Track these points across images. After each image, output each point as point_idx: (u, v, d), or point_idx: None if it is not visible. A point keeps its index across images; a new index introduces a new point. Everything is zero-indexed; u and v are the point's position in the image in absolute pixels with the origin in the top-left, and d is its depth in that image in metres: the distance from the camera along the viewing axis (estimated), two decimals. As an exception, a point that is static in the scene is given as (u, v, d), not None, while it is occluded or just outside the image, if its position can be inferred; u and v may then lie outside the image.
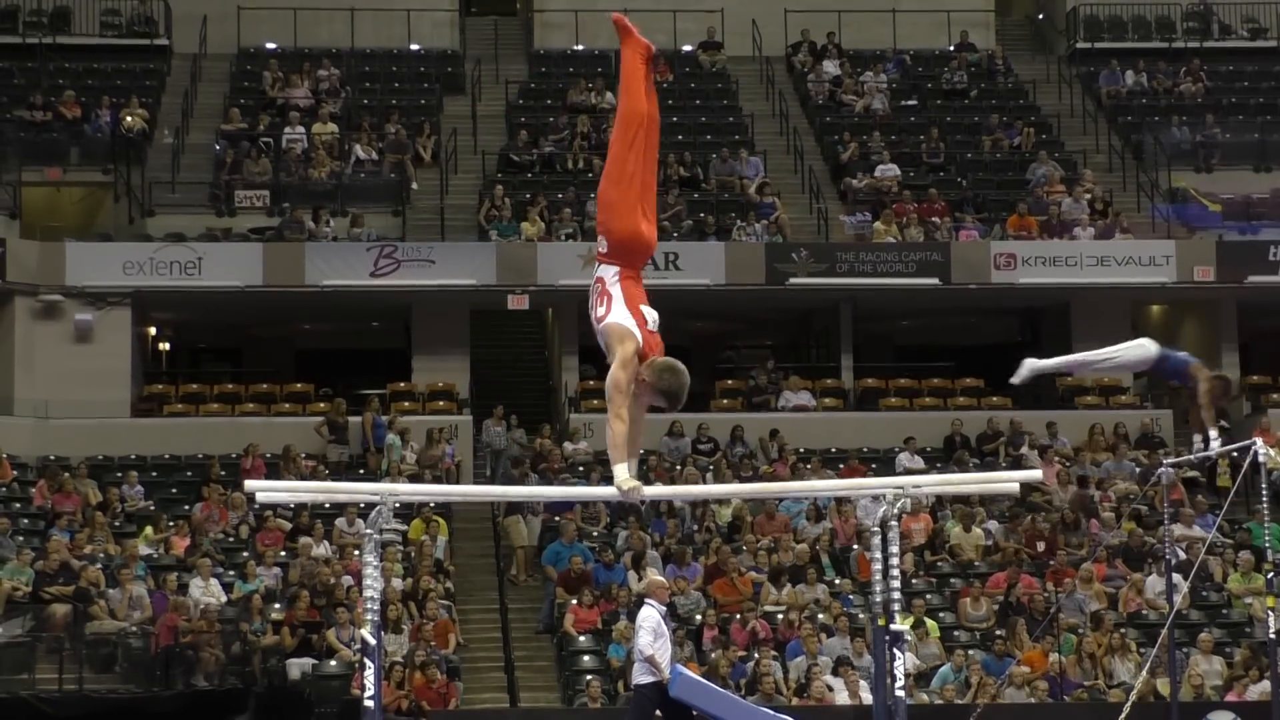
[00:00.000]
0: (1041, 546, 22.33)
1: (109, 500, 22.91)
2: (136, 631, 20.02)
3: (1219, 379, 13.98)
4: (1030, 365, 13.91)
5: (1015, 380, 14.19)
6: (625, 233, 8.87)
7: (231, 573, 21.23)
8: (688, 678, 14.92)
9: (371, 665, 9.20)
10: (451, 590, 21.57)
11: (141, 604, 20.26)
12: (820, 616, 20.34)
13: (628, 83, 8.97)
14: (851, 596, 20.91)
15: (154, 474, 24.45)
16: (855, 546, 21.91)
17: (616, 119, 9.11)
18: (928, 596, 21.12)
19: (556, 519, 22.66)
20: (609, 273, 8.87)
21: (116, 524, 22.44)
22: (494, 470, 24.50)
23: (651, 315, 8.87)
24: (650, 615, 14.91)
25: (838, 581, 21.40)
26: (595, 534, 22.52)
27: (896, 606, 9.38)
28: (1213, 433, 13.99)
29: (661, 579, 16.10)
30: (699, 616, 20.36)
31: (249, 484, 9.28)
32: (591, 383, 26.71)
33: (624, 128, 8.93)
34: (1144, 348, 13.81)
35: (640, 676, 14.83)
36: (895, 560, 9.43)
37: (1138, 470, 24.15)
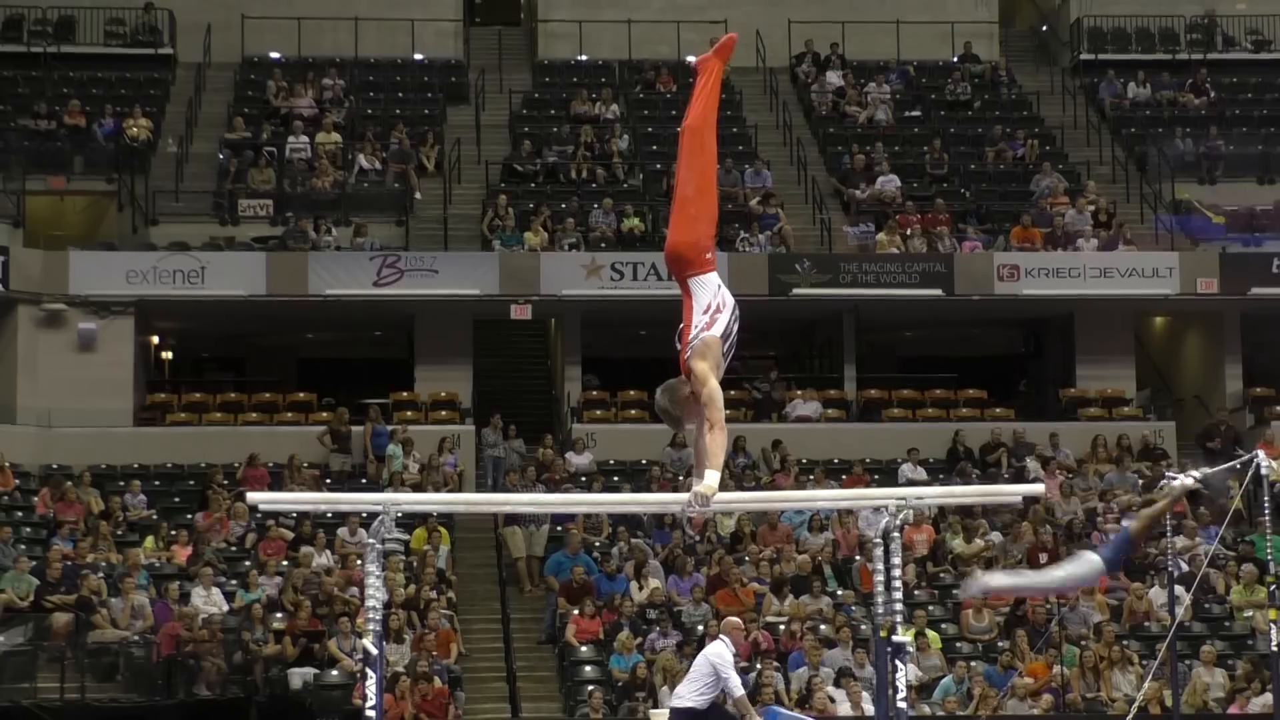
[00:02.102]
0: (1044, 558, 22.29)
1: (111, 509, 22.90)
2: (138, 640, 20.01)
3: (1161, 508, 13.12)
4: (979, 583, 13.25)
5: (963, 594, 13.53)
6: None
7: (233, 582, 21.23)
8: (778, 714, 14.98)
9: (373, 675, 9.19)
10: (454, 600, 21.56)
11: (143, 613, 20.25)
12: (822, 627, 20.33)
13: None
14: (854, 607, 20.89)
15: (156, 483, 24.44)
16: (858, 557, 21.89)
17: (708, 131, 9.04)
18: (930, 608, 21.09)
19: (559, 529, 22.67)
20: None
21: (119, 533, 22.44)
22: (493, 480, 24.50)
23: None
24: (726, 654, 14.99)
25: (840, 592, 21.39)
26: (597, 544, 22.50)
27: (899, 618, 9.36)
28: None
29: (738, 620, 16.13)
30: (701, 627, 20.33)
31: (251, 495, 9.26)
32: (594, 393, 26.73)
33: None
34: (1090, 563, 12.88)
35: (695, 700, 14.86)
36: (897, 571, 9.42)
37: (1140, 482, 24.13)
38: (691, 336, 8.74)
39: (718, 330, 8.74)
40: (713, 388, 8.58)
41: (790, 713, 15.62)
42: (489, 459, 24.85)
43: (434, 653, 19.62)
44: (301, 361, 29.74)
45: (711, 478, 8.53)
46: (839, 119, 31.43)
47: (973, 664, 19.66)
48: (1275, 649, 14.02)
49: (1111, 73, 32.50)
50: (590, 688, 19.28)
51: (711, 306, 8.79)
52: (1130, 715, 16.84)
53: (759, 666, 19.20)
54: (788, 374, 27.65)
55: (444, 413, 25.92)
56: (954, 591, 21.94)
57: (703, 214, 8.98)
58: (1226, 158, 30.49)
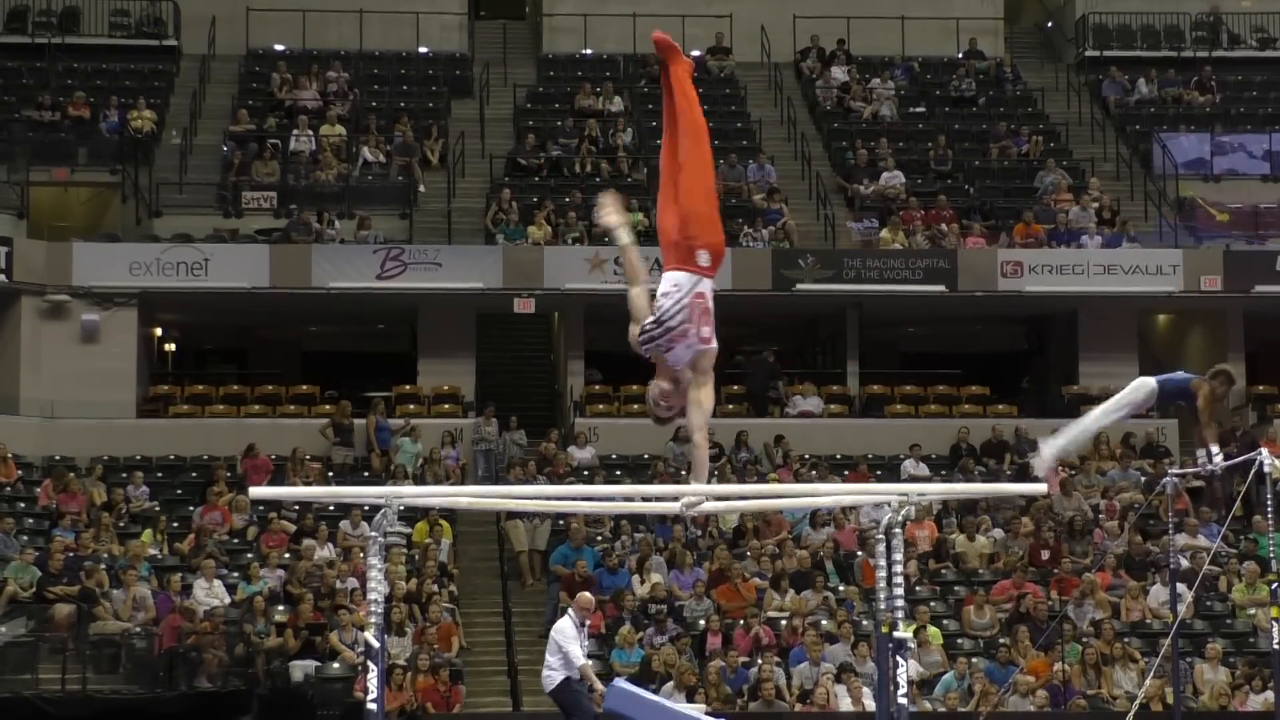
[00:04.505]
0: (1046, 555, 22.31)
1: (114, 501, 22.91)
2: (140, 632, 20.03)
3: (1217, 376, 13.85)
4: (1047, 454, 13.84)
5: (1038, 471, 14.10)
6: (720, 246, 8.86)
7: (235, 574, 21.24)
8: (621, 690, 15.08)
9: (375, 668, 9.20)
10: (455, 593, 21.57)
11: (145, 605, 20.27)
12: (824, 623, 20.33)
13: (691, 97, 8.99)
14: (854, 603, 20.89)
15: (159, 475, 24.46)
16: (859, 553, 21.90)
17: (687, 133, 9.01)
18: (931, 604, 21.10)
19: (560, 522, 22.67)
20: (709, 288, 8.73)
21: (121, 524, 22.45)
22: (485, 473, 24.46)
23: None
24: (569, 629, 15.49)
25: (842, 588, 21.39)
26: (600, 538, 22.50)
27: (900, 614, 9.37)
28: (1214, 448, 13.96)
29: (588, 595, 16.40)
30: (702, 622, 20.35)
31: (254, 490, 9.27)
32: (596, 387, 26.73)
33: (701, 141, 8.92)
34: (1144, 385, 13.73)
35: (555, 679, 15.21)
36: (899, 567, 9.42)
37: (1143, 479, 24.14)
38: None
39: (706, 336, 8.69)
40: (709, 393, 8.60)
41: (631, 686, 15.65)
42: (479, 452, 24.77)
43: (435, 646, 19.63)
44: (304, 354, 29.76)
45: (700, 488, 8.68)
46: (843, 114, 31.41)
47: (974, 660, 19.67)
48: (1277, 647, 14.02)
49: (1115, 70, 32.49)
50: (591, 682, 19.28)
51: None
52: (1131, 713, 16.84)
53: (760, 662, 19.23)
54: (791, 369, 27.66)
55: (446, 406, 25.93)
56: (956, 588, 21.96)
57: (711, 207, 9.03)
58: (1231, 155, 30.46)
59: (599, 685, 15.45)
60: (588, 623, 16.09)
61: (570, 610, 15.90)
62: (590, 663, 15.79)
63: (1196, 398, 13.73)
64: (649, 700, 15.30)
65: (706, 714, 17.04)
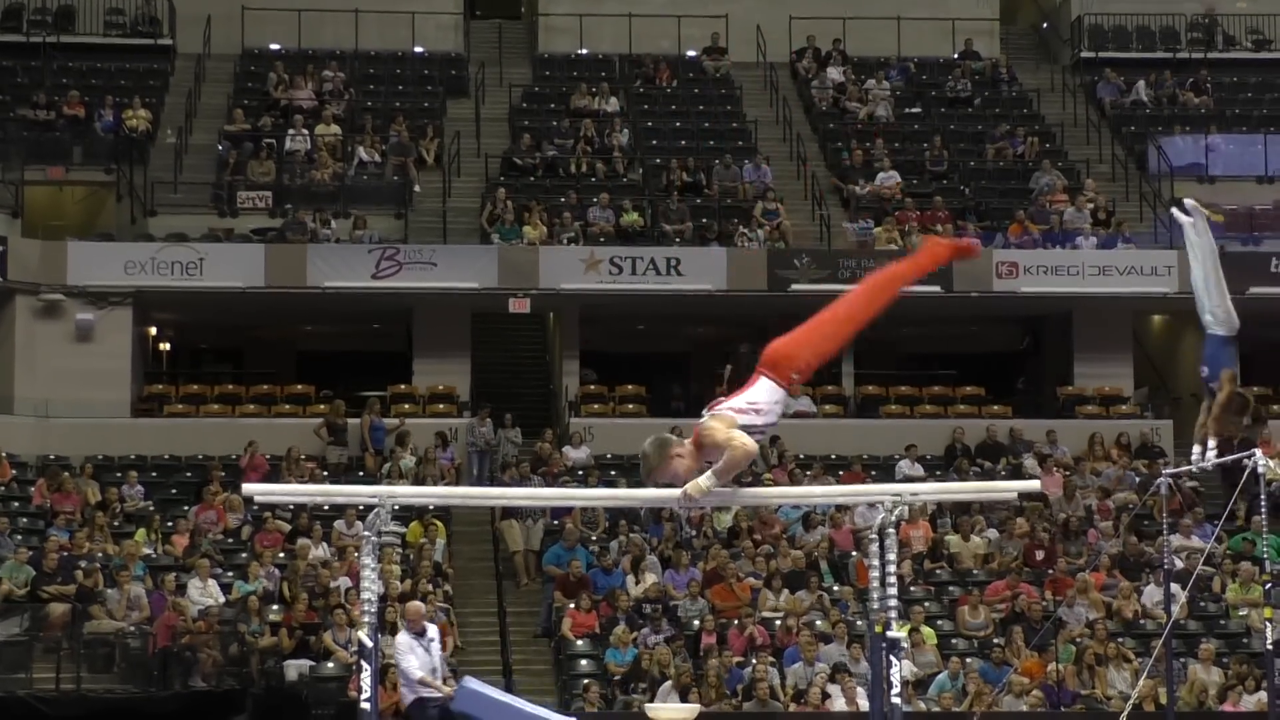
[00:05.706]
0: (1041, 555, 22.33)
1: (108, 500, 22.91)
2: (135, 632, 20.03)
3: (1239, 395, 13.93)
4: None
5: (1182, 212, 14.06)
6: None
7: (230, 574, 21.24)
8: (469, 691, 15.07)
9: (368, 667, 9.21)
10: (450, 593, 21.57)
11: (140, 604, 20.27)
12: (818, 623, 20.34)
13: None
14: (849, 603, 20.89)
15: (154, 474, 24.45)
16: (854, 553, 21.91)
17: (890, 294, 9.15)
18: (926, 604, 21.11)
19: (555, 522, 22.68)
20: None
21: (115, 524, 22.45)
22: (479, 472, 24.46)
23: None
24: (400, 642, 15.43)
25: (836, 588, 21.40)
26: (594, 538, 22.51)
27: (894, 614, 9.37)
28: (1211, 442, 13.98)
29: (417, 604, 16.26)
30: (697, 622, 20.36)
31: (247, 487, 9.28)
32: (592, 387, 26.74)
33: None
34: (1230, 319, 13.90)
35: (407, 696, 15.40)
36: (893, 567, 9.42)
37: (1137, 480, 24.15)
38: (719, 407, 8.77)
39: (741, 420, 8.74)
40: (737, 433, 8.63)
41: (479, 685, 15.57)
42: (474, 452, 24.76)
43: (430, 646, 19.61)
44: (300, 354, 29.75)
45: (706, 480, 8.65)
46: (839, 115, 31.42)
47: (968, 660, 19.68)
48: (1270, 647, 14.03)
49: (1110, 71, 32.51)
50: (585, 681, 19.30)
51: (756, 405, 8.79)
52: (1125, 713, 16.86)
53: (754, 662, 19.23)
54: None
55: (442, 406, 25.93)
56: (951, 588, 21.97)
57: (823, 345, 9.06)
58: (1225, 157, 30.48)
59: (444, 689, 15.36)
60: (429, 631, 15.65)
61: (401, 622, 15.85)
62: (423, 672, 15.38)
63: (1220, 387, 13.77)
64: (497, 700, 15.24)
65: (700, 714, 17.05)
